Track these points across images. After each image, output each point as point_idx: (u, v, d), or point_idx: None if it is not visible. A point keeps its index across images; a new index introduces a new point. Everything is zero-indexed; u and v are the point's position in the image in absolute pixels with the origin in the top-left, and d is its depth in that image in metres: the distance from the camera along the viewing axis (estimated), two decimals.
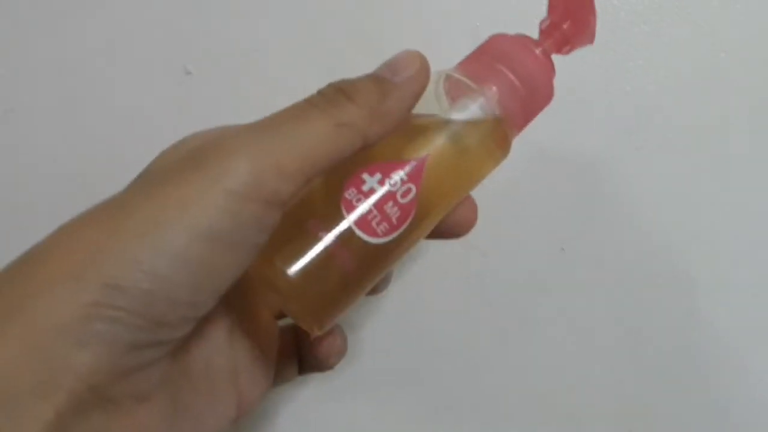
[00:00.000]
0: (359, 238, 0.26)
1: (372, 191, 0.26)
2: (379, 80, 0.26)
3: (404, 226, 0.27)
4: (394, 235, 0.27)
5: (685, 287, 0.43)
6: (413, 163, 0.27)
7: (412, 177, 0.27)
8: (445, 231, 0.30)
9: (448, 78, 0.29)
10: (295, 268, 0.25)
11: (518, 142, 0.33)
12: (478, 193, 0.31)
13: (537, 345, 0.43)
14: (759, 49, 0.43)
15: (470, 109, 0.28)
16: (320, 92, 0.25)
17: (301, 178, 0.24)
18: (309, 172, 0.24)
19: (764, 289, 0.43)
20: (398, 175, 0.27)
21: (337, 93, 0.25)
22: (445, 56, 0.29)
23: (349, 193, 0.26)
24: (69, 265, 0.21)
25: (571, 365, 0.43)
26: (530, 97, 0.29)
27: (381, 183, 0.27)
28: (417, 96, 0.26)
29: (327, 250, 0.26)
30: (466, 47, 0.30)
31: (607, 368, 0.43)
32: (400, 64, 0.26)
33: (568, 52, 0.30)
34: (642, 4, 0.43)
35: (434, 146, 0.28)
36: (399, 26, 0.43)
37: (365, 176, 0.27)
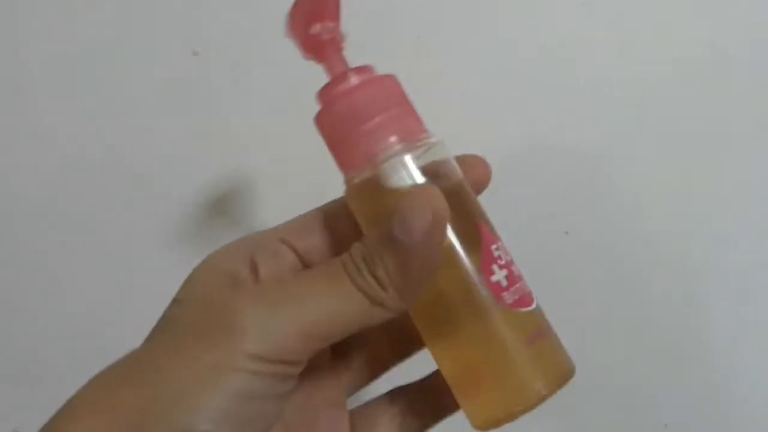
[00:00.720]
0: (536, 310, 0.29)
1: (507, 278, 0.28)
2: (396, 249, 0.25)
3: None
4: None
5: (687, 272, 0.43)
6: (483, 231, 0.29)
7: (493, 239, 0.29)
8: None
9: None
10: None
11: (524, 128, 0.36)
12: None
13: None
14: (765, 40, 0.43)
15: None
16: (351, 258, 0.26)
17: (325, 342, 0.25)
18: (335, 337, 0.25)
19: (765, 275, 0.43)
20: (494, 250, 0.29)
21: (364, 265, 0.25)
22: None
23: (506, 297, 0.28)
24: (112, 429, 0.22)
25: (571, 349, 0.45)
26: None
27: (500, 267, 0.29)
28: (438, 249, 0.26)
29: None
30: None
31: (608, 352, 0.43)
32: (410, 222, 0.24)
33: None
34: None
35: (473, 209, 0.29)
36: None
37: (492, 279, 0.28)
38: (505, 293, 0.28)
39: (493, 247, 0.29)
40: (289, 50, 0.41)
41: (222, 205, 0.42)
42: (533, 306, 0.29)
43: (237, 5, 0.42)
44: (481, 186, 0.30)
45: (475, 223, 0.29)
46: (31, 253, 0.41)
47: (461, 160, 0.30)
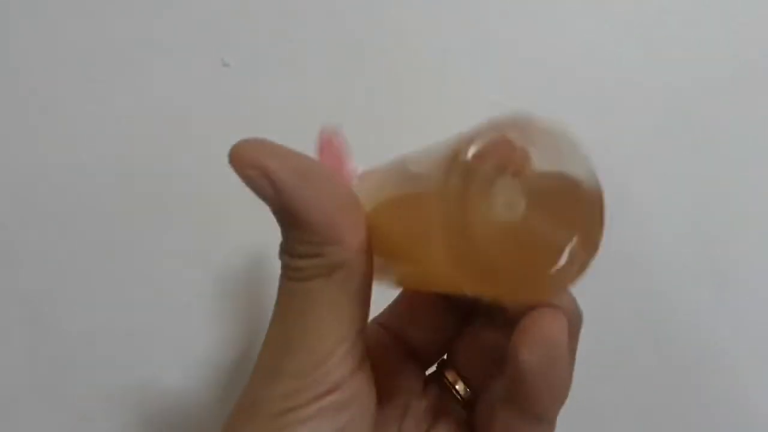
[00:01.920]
0: None
1: None
2: (280, 219, 0.23)
3: None
4: None
5: (698, 278, 0.42)
6: None
7: None
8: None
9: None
10: None
11: None
12: None
13: None
14: None
15: None
16: (284, 268, 0.23)
17: (342, 349, 0.23)
18: (340, 340, 0.23)
19: None
20: None
21: (291, 259, 0.23)
22: None
23: None
24: None
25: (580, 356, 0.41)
26: None
27: None
28: (307, 181, 0.22)
29: None
30: None
31: (619, 359, 0.42)
32: (255, 192, 0.22)
33: None
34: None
35: None
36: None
37: None
38: None
39: None
40: (320, 62, 0.42)
41: (248, 218, 0.41)
42: None
43: (268, 16, 0.43)
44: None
45: None
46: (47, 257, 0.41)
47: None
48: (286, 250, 0.23)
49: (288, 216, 0.22)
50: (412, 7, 0.43)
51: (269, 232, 0.39)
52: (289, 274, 0.23)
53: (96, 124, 0.41)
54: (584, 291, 0.38)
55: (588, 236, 0.20)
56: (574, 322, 0.22)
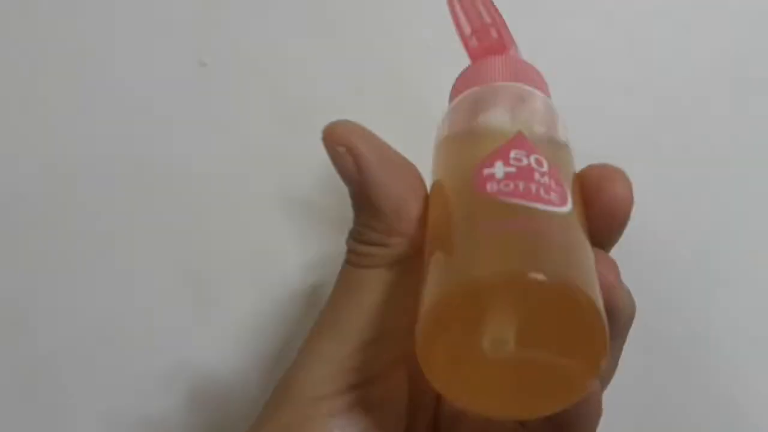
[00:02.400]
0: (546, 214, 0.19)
1: (509, 174, 0.20)
2: (358, 203, 0.23)
3: (569, 195, 0.20)
4: (568, 200, 0.20)
5: (699, 278, 0.41)
6: (516, 138, 0.21)
7: (525, 147, 0.21)
8: (604, 215, 0.22)
9: None
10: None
11: None
12: None
13: None
14: None
15: None
16: (348, 252, 0.24)
17: (387, 342, 0.22)
18: (395, 329, 0.22)
19: None
20: (513, 153, 0.21)
21: (356, 244, 0.23)
22: None
23: (491, 186, 0.19)
24: None
25: None
26: None
27: (507, 164, 0.20)
28: (385, 168, 0.22)
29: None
30: None
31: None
32: (339, 170, 0.23)
33: None
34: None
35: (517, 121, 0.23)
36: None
37: (486, 171, 0.20)
38: (491, 183, 0.20)
39: (515, 151, 0.21)
40: (298, 61, 0.41)
41: (227, 218, 0.41)
42: (538, 204, 0.19)
43: (245, 15, 0.42)
44: (616, 215, 0.22)
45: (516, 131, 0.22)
46: (35, 255, 0.41)
47: (593, 170, 0.23)
48: (353, 235, 0.23)
49: (364, 198, 0.22)
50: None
51: (255, 229, 0.40)
52: (351, 259, 0.23)
53: (73, 124, 0.41)
54: None
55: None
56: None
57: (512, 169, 0.20)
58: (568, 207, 0.20)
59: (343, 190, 0.24)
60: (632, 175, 0.39)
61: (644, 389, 0.40)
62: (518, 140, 0.21)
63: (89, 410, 0.38)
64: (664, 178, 0.41)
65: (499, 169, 0.20)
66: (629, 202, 0.22)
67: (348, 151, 0.22)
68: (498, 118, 0.23)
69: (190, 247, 0.40)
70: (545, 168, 0.20)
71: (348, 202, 0.24)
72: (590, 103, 0.41)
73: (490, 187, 0.19)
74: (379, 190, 0.22)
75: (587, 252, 0.20)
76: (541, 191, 0.19)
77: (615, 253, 0.38)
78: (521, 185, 0.19)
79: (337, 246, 0.25)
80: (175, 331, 0.39)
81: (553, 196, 0.19)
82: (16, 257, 0.40)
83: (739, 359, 0.41)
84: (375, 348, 0.22)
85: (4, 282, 0.39)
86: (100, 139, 0.40)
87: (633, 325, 0.31)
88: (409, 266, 0.22)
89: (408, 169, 0.23)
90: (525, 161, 0.20)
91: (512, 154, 0.21)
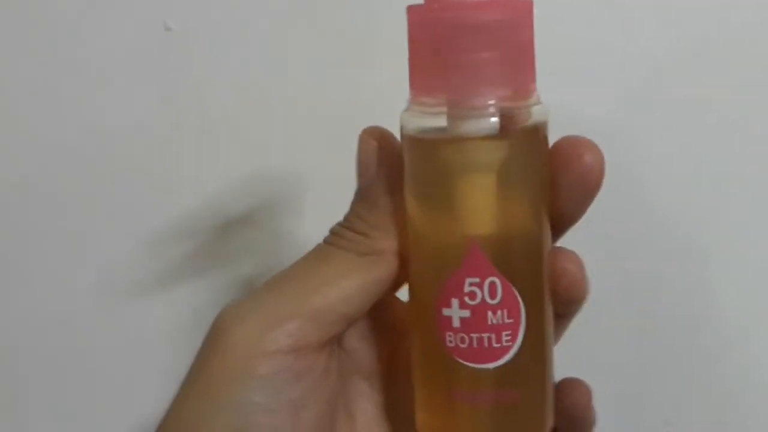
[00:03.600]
0: (498, 368, 0.22)
1: (465, 321, 0.22)
2: (362, 196, 0.25)
3: (522, 315, 0.22)
4: (521, 335, 0.22)
5: (697, 260, 0.40)
6: (470, 257, 0.22)
7: (479, 271, 0.22)
8: (575, 197, 0.24)
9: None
10: None
11: None
12: None
13: None
14: None
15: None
16: (330, 234, 0.25)
17: (330, 317, 0.23)
18: (340, 310, 0.23)
19: None
20: (468, 285, 0.22)
21: (341, 228, 0.25)
22: None
23: (450, 338, 0.23)
24: None
25: (571, 344, 0.36)
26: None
27: (463, 306, 0.22)
28: (393, 176, 0.24)
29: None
30: None
31: (609, 347, 0.40)
32: (362, 163, 0.24)
33: None
34: None
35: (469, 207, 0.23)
36: None
37: (445, 312, 0.22)
38: (450, 334, 0.23)
39: (469, 280, 0.22)
40: (267, 23, 0.38)
41: (197, 187, 0.39)
42: (488, 365, 0.22)
43: None
44: (587, 184, 0.23)
45: (471, 241, 0.22)
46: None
47: (564, 142, 0.23)
48: (343, 223, 0.25)
49: (368, 192, 0.24)
50: None
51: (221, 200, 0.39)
52: (329, 239, 0.25)
53: (33, 90, 0.38)
54: None
55: None
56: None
57: (466, 314, 0.22)
58: (517, 342, 0.22)
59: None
60: (639, 143, 0.40)
61: (642, 376, 0.41)
62: (473, 261, 0.22)
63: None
64: (647, 154, 0.39)
65: (455, 311, 0.22)
66: (599, 172, 0.23)
67: (377, 147, 0.24)
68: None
69: (155, 219, 0.39)
70: (498, 296, 0.22)
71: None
72: (569, 72, 0.37)
73: (449, 340, 0.22)
74: (383, 191, 0.24)
75: (547, 366, 0.23)
76: (493, 341, 0.22)
77: (618, 237, 0.40)
78: (474, 340, 0.22)
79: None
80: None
81: (504, 338, 0.22)
82: None
83: (739, 344, 0.40)
84: (315, 319, 0.23)
85: None
86: (60, 105, 0.39)
87: (631, 311, 0.40)
88: (380, 261, 0.24)
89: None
90: (479, 296, 0.22)
91: (466, 287, 0.22)
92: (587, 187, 0.23)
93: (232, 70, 0.38)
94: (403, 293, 0.26)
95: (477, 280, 0.22)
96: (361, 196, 0.24)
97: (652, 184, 0.40)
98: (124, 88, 0.39)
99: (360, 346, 0.26)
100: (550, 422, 0.24)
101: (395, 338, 0.26)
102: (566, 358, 0.36)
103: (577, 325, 0.37)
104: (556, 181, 0.23)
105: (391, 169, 0.24)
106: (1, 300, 0.39)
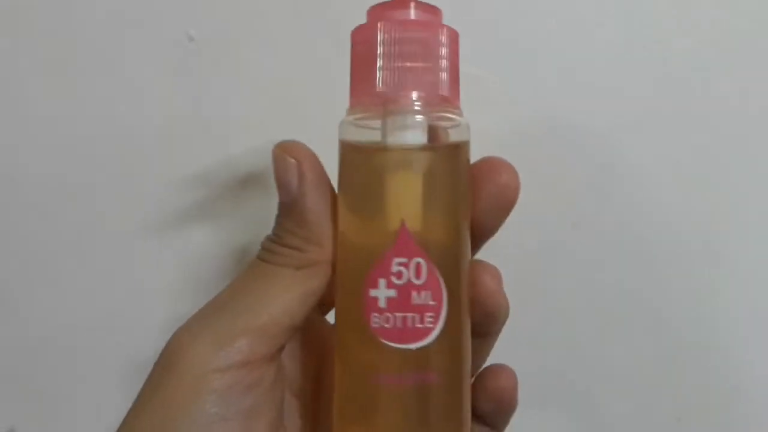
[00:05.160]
0: (420, 350, 0.23)
1: (391, 301, 0.23)
2: (288, 211, 0.26)
3: (444, 299, 0.24)
4: (443, 317, 0.24)
5: (702, 261, 0.41)
6: (399, 238, 0.24)
7: (407, 251, 0.24)
8: (489, 214, 0.26)
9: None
10: None
11: (531, 116, 0.36)
12: None
13: (548, 322, 0.40)
14: None
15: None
16: (262, 250, 0.26)
17: (275, 330, 0.24)
18: (284, 323, 0.25)
19: None
20: (395, 264, 0.23)
21: (273, 244, 0.26)
22: None
23: (375, 319, 0.23)
24: None
25: (582, 343, 0.40)
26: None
27: (389, 286, 0.23)
28: (318, 186, 0.25)
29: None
30: None
31: (620, 345, 0.41)
32: (281, 180, 0.26)
33: None
34: None
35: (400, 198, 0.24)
36: None
37: (372, 292, 0.24)
38: (375, 315, 0.24)
39: (397, 260, 0.23)
40: (287, 35, 0.39)
41: (219, 192, 0.40)
42: (411, 345, 0.23)
43: None
44: (502, 199, 0.26)
45: (400, 223, 0.24)
46: (25, 246, 0.40)
47: (484, 162, 0.26)
48: (272, 238, 0.26)
49: (293, 207, 0.25)
50: None
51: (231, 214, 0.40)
52: (263, 256, 0.26)
53: (56, 99, 0.39)
54: (577, 275, 0.41)
55: None
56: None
57: (392, 293, 0.23)
58: (439, 325, 0.24)
59: None
60: (627, 155, 0.41)
61: (655, 373, 0.41)
62: (402, 241, 0.23)
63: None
64: (657, 157, 0.40)
65: (382, 291, 0.23)
66: (515, 191, 0.26)
67: (295, 164, 0.25)
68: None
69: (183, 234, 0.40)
70: (424, 277, 0.23)
71: None
72: (577, 79, 0.39)
73: (374, 321, 0.23)
74: (308, 203, 0.25)
75: (464, 343, 0.25)
76: (417, 321, 0.23)
77: (625, 247, 0.41)
78: (398, 320, 0.23)
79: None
80: None
81: (427, 319, 0.23)
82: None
83: (751, 342, 0.41)
84: (263, 334, 0.24)
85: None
86: (85, 115, 0.39)
87: (643, 310, 0.40)
88: (315, 271, 0.25)
89: (331, 188, 0.26)
90: (405, 275, 0.23)
91: (394, 267, 0.23)
92: (504, 203, 0.26)
93: (253, 79, 0.39)
94: (330, 316, 0.27)
95: (404, 260, 0.23)
96: (287, 212, 0.26)
97: (663, 186, 0.40)
98: (150, 96, 0.39)
99: (290, 364, 0.27)
100: (467, 407, 0.25)
101: (322, 357, 0.28)
102: (579, 358, 0.39)
103: (590, 324, 0.40)
104: (477, 195, 0.26)
105: (315, 182, 0.25)
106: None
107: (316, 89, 0.38)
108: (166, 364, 0.24)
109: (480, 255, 0.28)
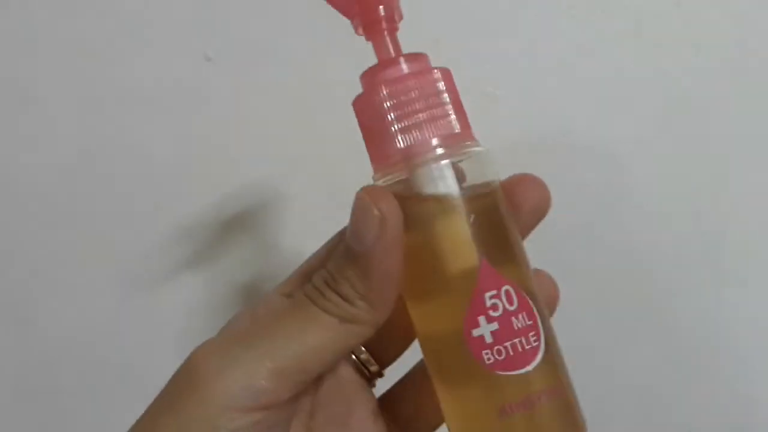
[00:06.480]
0: (537, 368, 0.24)
1: (495, 334, 0.24)
2: (354, 259, 0.24)
3: (537, 315, 0.25)
4: (542, 333, 0.25)
5: (707, 270, 0.42)
6: (482, 274, 0.24)
7: (494, 284, 0.24)
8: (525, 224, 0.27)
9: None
10: None
11: (541, 126, 0.38)
12: None
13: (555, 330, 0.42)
14: None
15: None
16: (311, 287, 0.25)
17: (306, 375, 0.24)
18: (313, 368, 0.24)
19: None
20: (488, 299, 0.24)
21: (326, 287, 0.25)
22: None
23: (487, 356, 0.24)
24: None
25: (591, 350, 0.41)
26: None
27: (489, 320, 0.24)
28: (394, 248, 0.24)
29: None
30: None
31: (629, 353, 0.42)
32: (359, 228, 0.24)
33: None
34: None
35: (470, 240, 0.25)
36: None
37: (475, 332, 0.24)
38: (486, 351, 0.24)
39: (488, 294, 0.24)
40: (304, 55, 0.40)
41: (235, 213, 0.41)
42: (528, 367, 0.24)
43: (251, 8, 0.41)
44: (536, 213, 0.27)
45: (479, 259, 0.24)
46: (32, 259, 0.41)
47: (516, 179, 0.27)
48: (327, 281, 0.25)
49: (361, 259, 0.24)
50: None
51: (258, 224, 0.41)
52: (312, 294, 0.25)
53: (76, 119, 0.40)
54: (583, 286, 0.41)
55: None
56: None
57: (495, 326, 0.24)
58: (542, 339, 0.25)
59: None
60: (632, 167, 0.41)
61: (655, 386, 0.42)
62: (485, 276, 0.24)
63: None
64: (663, 170, 0.41)
65: (484, 328, 0.24)
66: (547, 202, 0.27)
67: (379, 219, 0.23)
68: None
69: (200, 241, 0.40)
70: (515, 302, 0.24)
71: None
72: (586, 93, 0.40)
73: (487, 358, 0.24)
74: (379, 264, 0.24)
75: (558, 351, 0.26)
76: (524, 343, 0.24)
77: (614, 249, 0.41)
78: (509, 348, 0.24)
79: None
80: None
81: (532, 339, 0.24)
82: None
83: (749, 353, 0.42)
84: (292, 379, 0.24)
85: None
86: (103, 133, 0.40)
87: (645, 317, 0.41)
88: (359, 331, 0.24)
89: (402, 251, 0.24)
90: (501, 307, 0.24)
91: (488, 301, 0.24)
92: (539, 215, 0.28)
93: (269, 96, 0.40)
94: None
95: (494, 292, 0.24)
96: (352, 261, 0.24)
97: (669, 195, 0.41)
98: (167, 114, 0.40)
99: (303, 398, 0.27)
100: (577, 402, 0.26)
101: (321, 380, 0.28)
102: (590, 366, 0.36)
103: (599, 333, 0.40)
104: (514, 210, 0.26)
105: (392, 243, 0.24)
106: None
107: (337, 108, 0.37)
108: (188, 388, 0.23)
109: None
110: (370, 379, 0.29)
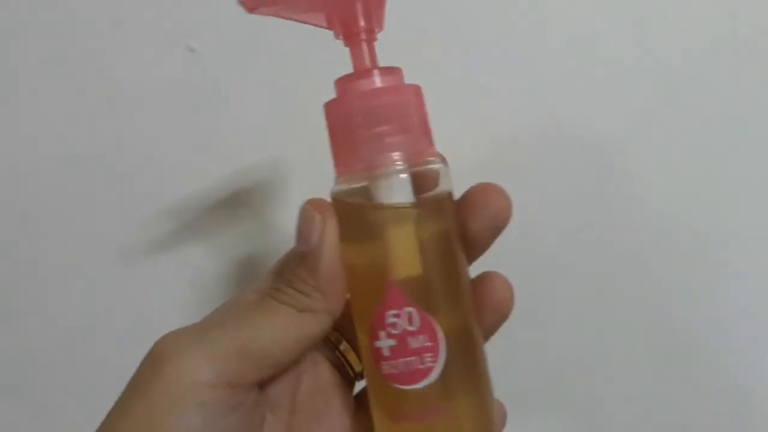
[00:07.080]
0: (427, 387, 0.27)
1: (393, 349, 0.27)
2: (303, 259, 0.27)
3: (440, 339, 0.27)
4: (442, 356, 0.27)
5: (706, 269, 0.41)
6: (388, 293, 0.27)
7: (398, 304, 0.27)
8: (484, 234, 0.29)
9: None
10: None
11: (535, 121, 0.37)
12: (491, 176, 0.29)
13: (550, 326, 0.40)
14: None
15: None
16: (271, 289, 0.28)
17: (268, 361, 0.26)
18: (277, 356, 0.27)
19: None
20: (390, 317, 0.27)
21: (282, 285, 0.28)
22: None
23: (385, 367, 0.27)
24: None
25: (586, 349, 0.40)
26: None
27: (389, 336, 0.27)
28: (334, 245, 0.27)
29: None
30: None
31: (625, 352, 0.41)
32: (305, 232, 0.27)
33: None
34: None
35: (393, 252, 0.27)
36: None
37: (377, 344, 0.27)
38: (384, 363, 0.27)
39: (391, 312, 0.27)
40: (289, 45, 0.39)
41: (220, 205, 0.41)
42: (416, 385, 0.27)
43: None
44: (497, 222, 0.28)
45: (384, 282, 0.27)
46: (22, 256, 0.42)
47: (476, 189, 0.29)
48: (285, 280, 0.28)
49: (308, 258, 0.27)
50: None
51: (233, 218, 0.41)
52: (272, 293, 0.28)
53: (59, 110, 0.41)
54: (576, 277, 0.41)
55: None
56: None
57: (393, 342, 0.27)
58: (439, 362, 0.27)
59: None
60: (626, 158, 0.41)
61: (650, 382, 0.41)
62: (392, 296, 0.27)
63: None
64: (657, 161, 0.40)
65: (384, 341, 0.27)
66: (507, 211, 0.28)
67: (321, 220, 0.27)
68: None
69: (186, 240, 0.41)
70: (416, 324, 0.27)
71: None
72: (581, 84, 0.40)
73: (385, 368, 0.27)
74: (324, 258, 0.27)
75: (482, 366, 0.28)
76: (418, 362, 0.26)
77: (630, 252, 0.41)
78: (402, 365, 0.27)
79: None
80: None
81: (427, 359, 0.26)
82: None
83: (748, 351, 0.41)
84: (254, 362, 0.26)
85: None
86: (86, 125, 0.41)
87: (640, 313, 0.41)
88: (317, 318, 0.27)
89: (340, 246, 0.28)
90: (400, 325, 0.27)
91: (389, 319, 0.27)
92: (499, 224, 0.28)
93: (252, 88, 0.40)
94: None
95: (396, 311, 0.27)
96: (302, 261, 0.28)
97: (667, 191, 0.41)
98: (150, 104, 0.40)
99: (273, 387, 0.29)
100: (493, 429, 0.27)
101: (298, 375, 0.30)
102: (590, 366, 0.38)
103: (594, 328, 0.40)
104: (473, 219, 0.28)
105: (334, 242, 0.27)
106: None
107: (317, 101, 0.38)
108: (154, 369, 0.25)
109: (487, 257, 0.30)
110: (353, 378, 0.32)
